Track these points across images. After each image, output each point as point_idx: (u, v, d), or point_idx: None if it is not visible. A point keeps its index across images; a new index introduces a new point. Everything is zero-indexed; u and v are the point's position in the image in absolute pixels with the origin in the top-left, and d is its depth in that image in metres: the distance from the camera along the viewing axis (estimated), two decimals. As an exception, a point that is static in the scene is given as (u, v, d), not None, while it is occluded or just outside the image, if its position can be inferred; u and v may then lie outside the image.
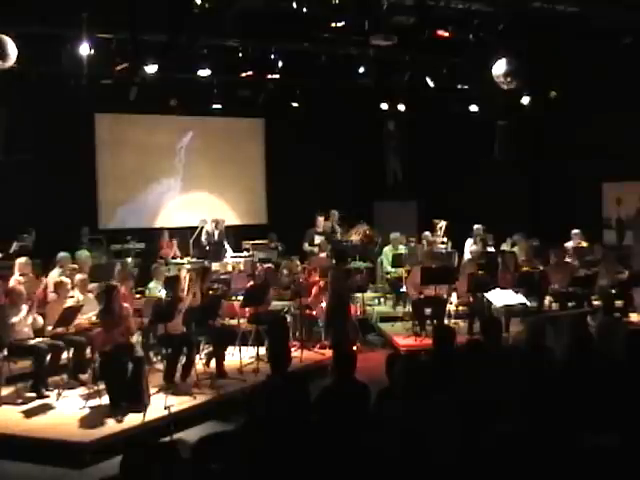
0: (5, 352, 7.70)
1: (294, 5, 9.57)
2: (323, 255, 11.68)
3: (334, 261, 10.55)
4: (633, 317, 10.33)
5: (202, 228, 13.09)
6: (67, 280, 8.76)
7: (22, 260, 9.71)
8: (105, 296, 7.73)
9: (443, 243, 12.92)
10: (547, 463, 3.60)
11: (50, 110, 12.62)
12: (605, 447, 3.63)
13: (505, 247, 12.33)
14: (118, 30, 10.57)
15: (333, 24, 10.12)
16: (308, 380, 5.69)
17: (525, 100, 13.14)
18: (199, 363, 8.47)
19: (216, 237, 12.98)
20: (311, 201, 13.93)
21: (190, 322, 8.33)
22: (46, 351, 7.79)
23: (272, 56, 12.03)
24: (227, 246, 13.09)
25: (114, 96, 12.70)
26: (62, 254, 10.08)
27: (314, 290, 10.30)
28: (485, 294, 9.80)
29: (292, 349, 8.02)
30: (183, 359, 8.00)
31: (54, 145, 12.88)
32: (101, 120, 14.11)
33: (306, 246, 12.78)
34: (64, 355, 8.05)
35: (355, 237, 12.94)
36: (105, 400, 7.23)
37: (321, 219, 13.00)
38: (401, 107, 14.40)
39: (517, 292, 9.98)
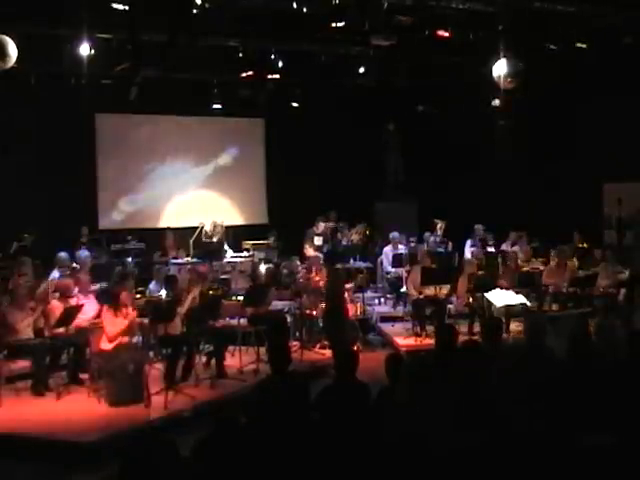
0: (5, 352, 7.70)
1: (294, 5, 9.58)
2: (314, 255, 11.66)
3: (322, 262, 10.51)
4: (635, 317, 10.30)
5: (202, 228, 13.08)
6: (68, 280, 8.76)
7: (22, 260, 9.69)
8: (106, 297, 7.74)
9: (443, 243, 12.92)
10: (546, 462, 3.60)
11: (50, 110, 12.62)
12: (604, 447, 3.63)
13: (505, 247, 12.33)
14: (118, 30, 10.57)
15: (333, 24, 10.12)
16: (308, 380, 5.68)
17: (524, 100, 13.12)
18: (199, 363, 8.47)
19: (215, 238, 12.94)
20: (311, 201, 13.93)
21: (190, 322, 8.34)
22: (46, 351, 7.79)
23: (272, 56, 12.04)
24: (227, 246, 13.08)
25: (114, 96, 12.70)
26: (62, 254, 10.07)
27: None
28: (485, 294, 9.81)
29: (292, 349, 8.01)
30: (183, 359, 8.01)
31: (54, 145, 12.88)
32: (101, 120, 14.10)
33: (307, 249, 12.67)
34: (64, 355, 8.05)
35: (355, 237, 12.94)
36: (105, 400, 7.23)
37: (322, 224, 12.98)
38: (401, 107, 14.40)
39: (517, 292, 9.98)
